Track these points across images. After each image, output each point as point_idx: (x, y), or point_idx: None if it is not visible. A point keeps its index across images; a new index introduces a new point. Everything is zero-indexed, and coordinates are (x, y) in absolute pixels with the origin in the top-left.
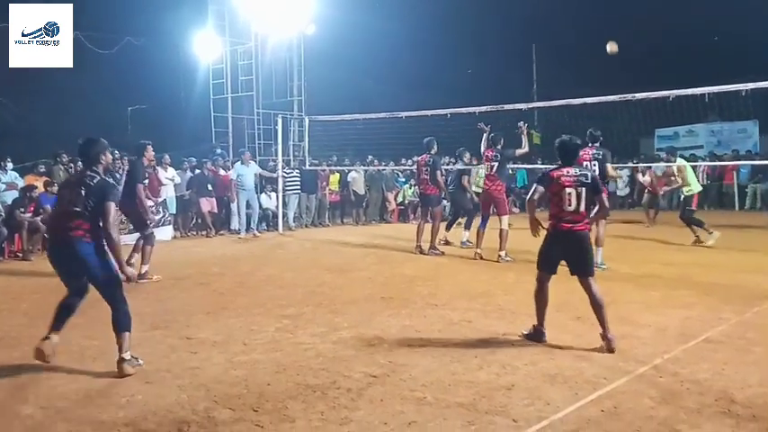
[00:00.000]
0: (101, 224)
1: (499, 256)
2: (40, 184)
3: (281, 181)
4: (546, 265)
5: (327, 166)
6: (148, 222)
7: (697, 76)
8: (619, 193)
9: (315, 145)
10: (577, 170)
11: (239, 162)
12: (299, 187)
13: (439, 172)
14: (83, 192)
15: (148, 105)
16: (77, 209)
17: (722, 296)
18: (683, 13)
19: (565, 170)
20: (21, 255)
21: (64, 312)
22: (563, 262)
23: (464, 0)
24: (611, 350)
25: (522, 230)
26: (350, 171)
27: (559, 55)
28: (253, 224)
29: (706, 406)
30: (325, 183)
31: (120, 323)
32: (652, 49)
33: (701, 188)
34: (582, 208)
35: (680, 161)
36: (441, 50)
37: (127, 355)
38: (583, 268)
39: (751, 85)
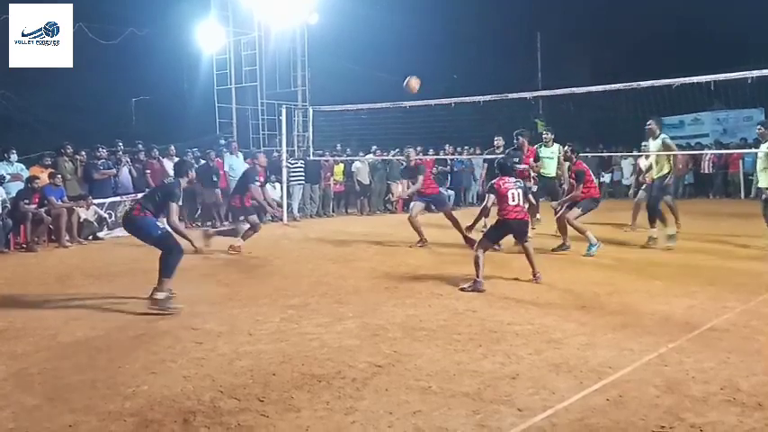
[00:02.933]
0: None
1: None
2: (44, 175)
3: (285, 171)
4: None
5: (331, 156)
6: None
7: (702, 63)
8: (624, 182)
9: (319, 135)
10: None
11: (228, 153)
12: (303, 178)
13: None
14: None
15: (152, 96)
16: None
17: (727, 285)
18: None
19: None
20: (26, 246)
21: None
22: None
23: None
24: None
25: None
26: (354, 161)
27: (564, 43)
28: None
29: (711, 394)
30: (329, 173)
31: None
32: (656, 37)
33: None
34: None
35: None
36: (445, 39)
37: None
38: None
39: (756, 73)
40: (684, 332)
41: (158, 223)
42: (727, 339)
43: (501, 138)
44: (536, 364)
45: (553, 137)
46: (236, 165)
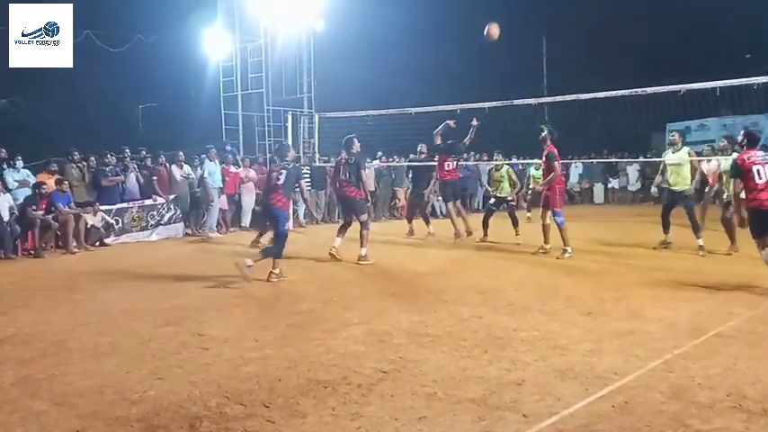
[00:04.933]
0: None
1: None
2: (51, 182)
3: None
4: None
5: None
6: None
7: (708, 69)
8: (630, 188)
9: (325, 141)
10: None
11: (207, 159)
12: (309, 184)
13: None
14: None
15: (159, 103)
16: (278, 183)
17: (733, 290)
18: (695, 5)
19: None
20: (33, 252)
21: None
22: None
23: None
24: None
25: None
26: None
27: (570, 48)
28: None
29: (717, 401)
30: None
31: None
32: (663, 42)
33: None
34: None
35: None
36: (450, 45)
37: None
38: None
39: (763, 79)
40: (691, 338)
41: (287, 220)
42: (734, 345)
43: (425, 145)
44: (542, 371)
45: (502, 158)
46: (213, 171)
